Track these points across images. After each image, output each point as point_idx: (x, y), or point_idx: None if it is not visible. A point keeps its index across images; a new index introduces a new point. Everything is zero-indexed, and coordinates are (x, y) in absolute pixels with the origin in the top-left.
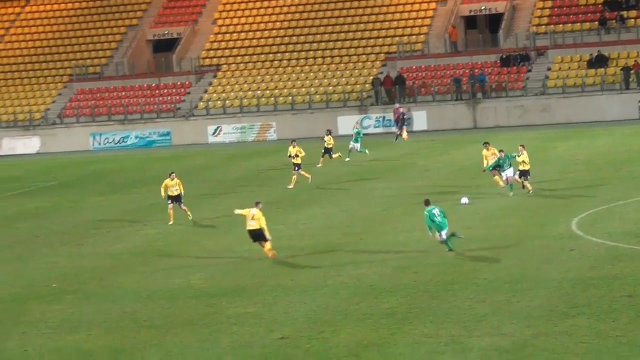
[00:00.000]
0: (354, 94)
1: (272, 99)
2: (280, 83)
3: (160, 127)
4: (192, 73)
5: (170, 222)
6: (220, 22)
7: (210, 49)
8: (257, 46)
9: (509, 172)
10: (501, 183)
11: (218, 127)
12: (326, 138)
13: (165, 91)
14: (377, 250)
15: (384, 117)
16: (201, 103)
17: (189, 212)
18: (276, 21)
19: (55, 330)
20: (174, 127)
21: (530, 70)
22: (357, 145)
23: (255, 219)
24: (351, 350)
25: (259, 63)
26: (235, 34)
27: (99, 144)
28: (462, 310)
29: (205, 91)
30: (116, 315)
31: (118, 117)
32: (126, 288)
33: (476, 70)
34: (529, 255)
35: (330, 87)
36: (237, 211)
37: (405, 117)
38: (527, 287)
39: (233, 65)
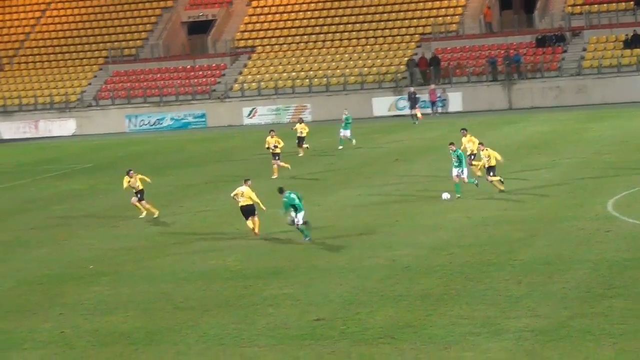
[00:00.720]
0: (388, 75)
1: (307, 80)
2: (315, 64)
3: (195, 109)
4: (227, 55)
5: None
6: (255, 3)
7: (245, 31)
8: (292, 27)
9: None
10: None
11: (253, 109)
12: (298, 126)
13: (200, 73)
14: (412, 231)
15: (419, 98)
16: (236, 85)
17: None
18: (311, 2)
19: (92, 311)
20: (209, 109)
21: (565, 51)
22: (347, 133)
23: (245, 195)
24: (387, 331)
25: (293, 44)
26: (270, 15)
27: (135, 126)
28: (498, 291)
29: (240, 73)
30: (152, 297)
31: (153, 99)
32: (162, 269)
33: (511, 51)
34: (564, 236)
35: (365, 69)
36: (232, 194)
37: (417, 96)
38: (563, 269)
39: (268, 46)
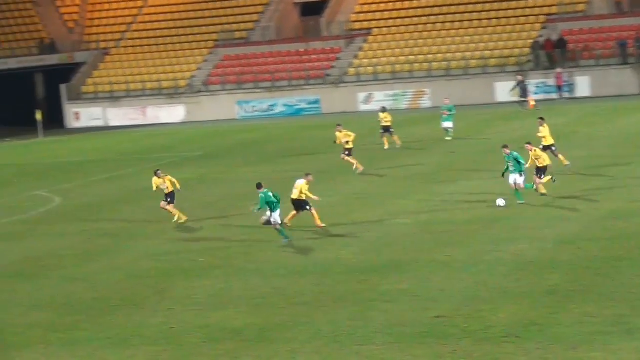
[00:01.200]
0: (512, 58)
1: (426, 64)
2: (434, 47)
3: (308, 95)
4: (342, 37)
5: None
6: None
7: (361, 12)
8: (410, 8)
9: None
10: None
11: (369, 94)
12: (381, 115)
13: (314, 57)
14: (537, 224)
15: (544, 83)
16: (351, 69)
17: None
18: None
19: (202, 306)
20: (323, 95)
21: None
22: (449, 124)
23: (296, 187)
24: (511, 330)
25: (411, 26)
26: None
27: (246, 112)
28: (629, 288)
29: (356, 56)
30: (265, 292)
31: (265, 85)
32: (274, 263)
33: None
34: None
35: (487, 51)
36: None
37: (525, 84)
38: None
39: (384, 29)
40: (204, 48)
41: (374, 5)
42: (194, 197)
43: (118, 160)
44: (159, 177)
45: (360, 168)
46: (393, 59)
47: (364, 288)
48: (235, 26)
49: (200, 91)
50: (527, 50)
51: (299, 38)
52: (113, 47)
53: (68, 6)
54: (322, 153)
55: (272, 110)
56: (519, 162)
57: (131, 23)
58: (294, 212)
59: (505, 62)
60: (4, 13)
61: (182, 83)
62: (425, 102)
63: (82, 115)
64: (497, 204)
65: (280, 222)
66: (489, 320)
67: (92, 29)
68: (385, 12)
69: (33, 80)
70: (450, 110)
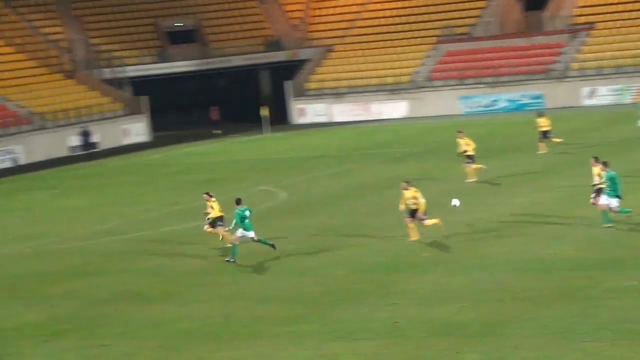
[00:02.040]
0: None
1: None
2: None
3: (531, 90)
4: (565, 32)
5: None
6: None
7: (584, 6)
8: (635, 2)
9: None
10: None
11: (593, 89)
12: (539, 120)
13: (537, 51)
14: None
15: None
16: (574, 64)
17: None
18: None
19: (426, 301)
20: (546, 90)
21: None
22: None
23: (406, 197)
24: None
25: (638, 20)
26: None
27: (468, 107)
28: None
29: (579, 51)
30: (488, 287)
31: (487, 80)
32: (498, 258)
33: None
34: None
35: None
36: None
37: None
38: None
39: (609, 22)
40: (427, 44)
41: None
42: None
43: (341, 156)
44: (206, 200)
45: (472, 177)
46: (617, 53)
47: (589, 284)
48: (457, 22)
49: (422, 87)
50: None
51: (521, 33)
52: (337, 44)
53: (293, 4)
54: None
55: (494, 105)
56: (615, 184)
57: (354, 20)
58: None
59: None
60: (232, 11)
61: (405, 79)
62: None
63: (307, 111)
64: (453, 204)
65: (256, 238)
66: None
67: (316, 26)
68: (610, 6)
69: (259, 77)
70: None
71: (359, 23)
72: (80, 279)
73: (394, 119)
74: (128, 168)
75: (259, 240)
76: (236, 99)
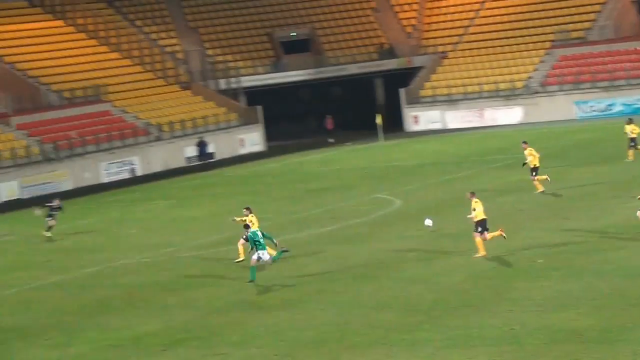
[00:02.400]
0: None
1: None
2: None
3: None
4: None
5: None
6: None
7: None
8: None
9: None
10: None
11: None
12: (629, 127)
13: None
14: None
15: None
16: None
17: None
18: None
19: (542, 307)
20: None
21: None
22: None
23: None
24: None
25: None
26: None
27: (584, 112)
28: None
29: None
30: (605, 293)
31: (602, 84)
32: (614, 264)
33: None
34: None
35: None
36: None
37: None
38: None
39: None
40: (541, 49)
41: None
42: (531, 197)
43: (455, 163)
44: (245, 215)
45: (540, 188)
46: None
47: None
48: (571, 26)
49: (537, 92)
50: None
51: (637, 36)
52: (450, 51)
53: (406, 11)
54: None
55: (610, 109)
56: None
57: (468, 26)
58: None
59: None
60: (345, 20)
61: (519, 84)
62: None
63: (421, 118)
64: (426, 223)
65: (268, 258)
66: None
67: (430, 33)
68: None
69: (373, 85)
70: None
71: (472, 29)
72: (197, 288)
73: (508, 124)
74: (243, 178)
75: (275, 258)
76: (350, 107)
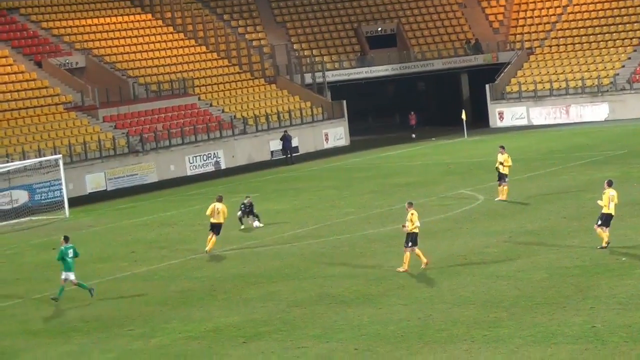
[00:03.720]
0: None
1: None
2: None
3: None
4: None
5: None
6: None
7: None
8: None
9: None
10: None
11: None
12: None
13: None
14: None
15: None
16: None
17: None
18: None
19: (625, 305)
20: None
21: None
22: None
23: None
24: None
25: None
26: None
27: None
28: None
29: None
30: None
31: None
32: None
33: None
34: None
35: None
36: None
37: None
38: None
39: None
40: (628, 46)
41: None
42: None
43: (540, 159)
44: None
45: (501, 197)
46: None
47: None
48: None
49: (623, 89)
50: None
51: None
52: (537, 47)
53: (493, 7)
54: None
55: None
56: None
57: (556, 22)
58: None
59: None
60: (431, 15)
61: (606, 81)
62: None
63: (506, 114)
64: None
65: (75, 280)
66: None
67: (517, 28)
68: None
69: (458, 80)
70: None
71: (560, 25)
72: (279, 281)
73: (594, 121)
74: (327, 172)
75: (78, 284)
76: (435, 103)
